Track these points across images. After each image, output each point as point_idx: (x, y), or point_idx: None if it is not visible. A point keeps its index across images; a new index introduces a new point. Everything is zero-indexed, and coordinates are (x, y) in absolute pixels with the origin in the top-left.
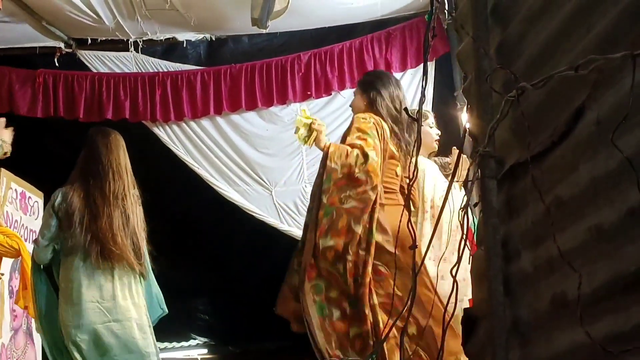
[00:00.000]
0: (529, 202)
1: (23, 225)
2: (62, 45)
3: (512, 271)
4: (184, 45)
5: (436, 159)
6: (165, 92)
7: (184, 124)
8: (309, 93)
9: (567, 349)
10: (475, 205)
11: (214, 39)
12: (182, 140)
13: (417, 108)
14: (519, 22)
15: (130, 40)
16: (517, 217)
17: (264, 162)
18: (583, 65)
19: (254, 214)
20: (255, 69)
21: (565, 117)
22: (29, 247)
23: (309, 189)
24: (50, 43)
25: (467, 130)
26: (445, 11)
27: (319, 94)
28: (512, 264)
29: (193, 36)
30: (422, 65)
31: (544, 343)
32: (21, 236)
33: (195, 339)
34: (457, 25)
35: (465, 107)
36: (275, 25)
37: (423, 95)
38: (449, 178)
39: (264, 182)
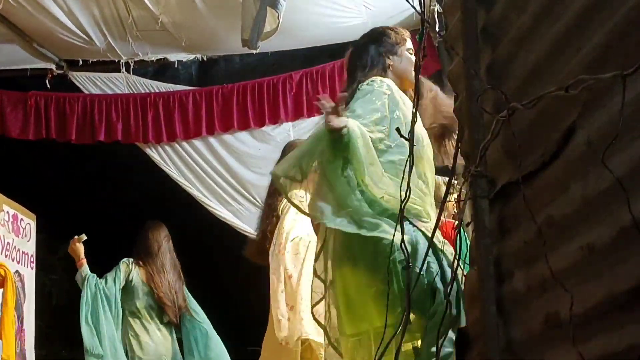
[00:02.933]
0: (521, 222)
1: (15, 247)
2: (53, 66)
3: (505, 291)
4: (176, 65)
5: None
6: (157, 113)
7: (176, 145)
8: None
9: None
10: (467, 225)
11: (205, 59)
12: (174, 160)
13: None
14: (509, 42)
15: (122, 61)
16: (509, 236)
17: (257, 182)
18: (573, 85)
19: (247, 234)
20: (247, 88)
21: (556, 136)
22: (23, 269)
23: None
24: (42, 65)
25: (459, 150)
26: (436, 29)
27: (311, 113)
28: (505, 284)
29: (184, 56)
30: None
31: None
32: (13, 258)
33: None
34: (447, 46)
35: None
36: (267, 45)
37: (415, 114)
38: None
39: (257, 201)
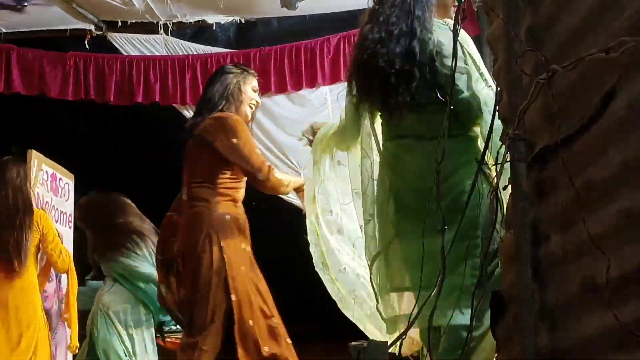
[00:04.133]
0: (559, 186)
1: (54, 206)
2: (92, 27)
3: (541, 255)
4: (214, 27)
5: None
6: (195, 75)
7: None
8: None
9: (596, 333)
10: (504, 188)
11: (243, 21)
12: None
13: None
14: (550, 4)
15: (160, 22)
16: (546, 200)
17: (293, 145)
18: (614, 48)
19: (283, 197)
20: (284, 51)
21: (596, 100)
22: (62, 228)
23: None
24: (81, 25)
25: (497, 112)
26: None
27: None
28: (541, 248)
29: (222, 19)
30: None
31: (573, 327)
32: (52, 217)
33: None
34: (487, 8)
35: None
36: (305, 8)
37: (453, 79)
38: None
39: (293, 164)
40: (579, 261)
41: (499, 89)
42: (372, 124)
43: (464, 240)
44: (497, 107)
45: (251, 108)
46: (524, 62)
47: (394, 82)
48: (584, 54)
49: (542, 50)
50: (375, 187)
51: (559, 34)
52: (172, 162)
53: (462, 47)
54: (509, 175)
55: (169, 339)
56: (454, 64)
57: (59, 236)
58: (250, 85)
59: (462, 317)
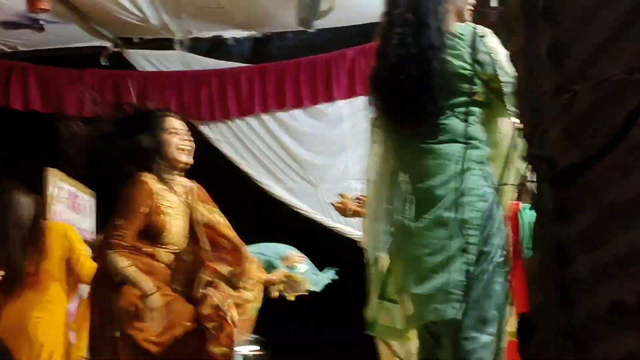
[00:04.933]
0: (584, 205)
1: (74, 224)
2: (108, 45)
3: (567, 276)
4: (229, 42)
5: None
6: (211, 90)
7: (229, 122)
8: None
9: (625, 357)
10: (531, 208)
11: (259, 36)
12: (228, 138)
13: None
14: (572, 21)
15: (176, 38)
16: (572, 220)
17: (310, 159)
18: (638, 69)
19: (300, 211)
20: (300, 65)
21: (620, 119)
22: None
23: (355, 186)
24: (97, 43)
25: (517, 130)
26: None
27: (364, 90)
28: (567, 269)
29: (238, 33)
30: None
31: (601, 350)
32: None
33: None
34: (506, 23)
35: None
36: (321, 22)
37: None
38: None
39: (310, 179)
40: (607, 283)
41: (520, 107)
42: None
43: (458, 237)
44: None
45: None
46: (545, 80)
47: (412, 93)
48: (607, 76)
49: (563, 68)
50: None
51: (580, 51)
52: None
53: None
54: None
55: None
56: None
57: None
58: None
59: (453, 311)
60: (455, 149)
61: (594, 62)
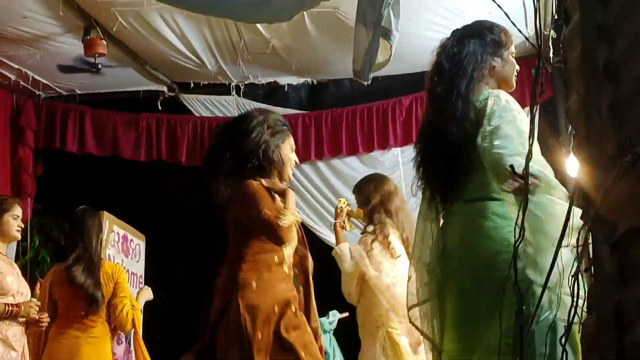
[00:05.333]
0: None
1: (125, 268)
2: (165, 89)
3: (626, 342)
4: (286, 89)
5: None
6: None
7: None
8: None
9: None
10: (585, 270)
11: (315, 82)
12: None
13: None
14: (634, 79)
15: (232, 84)
16: (631, 285)
17: None
18: None
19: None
20: (356, 113)
21: None
22: (132, 290)
23: None
24: (154, 87)
25: (579, 189)
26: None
27: None
28: (626, 335)
29: (294, 80)
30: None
31: None
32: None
33: None
34: (565, 78)
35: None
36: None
37: (530, 152)
38: None
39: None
40: None
41: (580, 166)
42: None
43: (493, 298)
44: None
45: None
46: (606, 139)
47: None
48: None
49: (625, 127)
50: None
51: None
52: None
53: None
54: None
55: None
56: (530, 143)
57: (130, 295)
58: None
59: None
60: (483, 206)
61: None
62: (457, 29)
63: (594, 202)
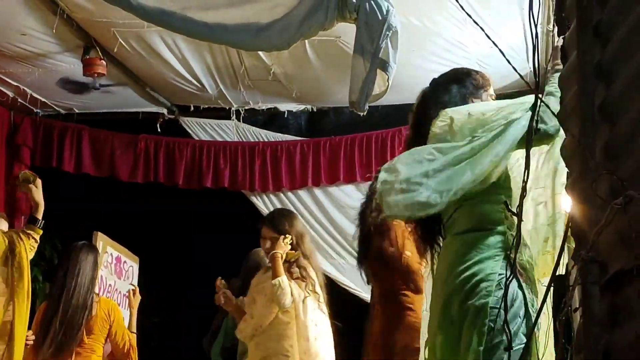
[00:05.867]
0: (634, 314)
1: (117, 289)
2: (164, 111)
3: None
4: (285, 115)
5: None
6: (264, 162)
7: (281, 194)
8: None
9: None
10: (575, 310)
11: (315, 109)
12: None
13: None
14: (629, 122)
15: (233, 108)
16: (620, 328)
17: None
18: None
19: (348, 288)
20: (355, 141)
21: None
22: (123, 312)
23: None
24: (153, 109)
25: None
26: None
27: None
28: None
29: (294, 106)
30: None
31: None
32: (114, 300)
33: None
34: (561, 119)
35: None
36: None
37: (525, 187)
38: None
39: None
40: None
41: (573, 204)
42: None
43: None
44: (569, 224)
45: None
46: (599, 180)
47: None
48: None
49: (618, 170)
50: None
51: (637, 154)
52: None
53: None
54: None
55: None
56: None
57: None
58: None
59: None
60: (474, 237)
61: None
62: (435, 78)
63: (585, 242)
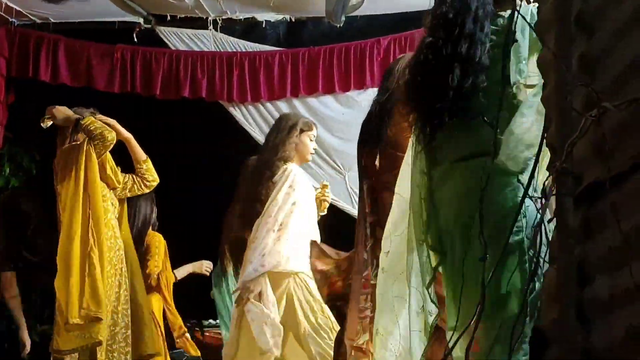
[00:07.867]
0: (608, 226)
1: None
2: (141, 21)
3: (586, 296)
4: (263, 25)
5: None
6: (242, 73)
7: (260, 105)
8: None
9: None
10: (549, 221)
11: (293, 20)
12: (257, 121)
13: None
14: (606, 34)
15: (210, 18)
16: (593, 239)
17: (339, 147)
18: None
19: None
20: (334, 52)
21: None
22: None
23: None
24: (130, 18)
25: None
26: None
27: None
28: (586, 288)
29: (273, 17)
30: None
31: None
32: None
33: None
34: (538, 32)
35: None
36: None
37: (501, 103)
38: None
39: (338, 166)
40: (626, 307)
41: (547, 117)
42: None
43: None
44: (545, 135)
45: None
46: (575, 93)
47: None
48: (638, 95)
49: (594, 82)
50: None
51: (613, 66)
52: (217, 157)
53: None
54: (555, 207)
55: (207, 334)
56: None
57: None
58: None
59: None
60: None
61: (626, 80)
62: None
63: (560, 155)
